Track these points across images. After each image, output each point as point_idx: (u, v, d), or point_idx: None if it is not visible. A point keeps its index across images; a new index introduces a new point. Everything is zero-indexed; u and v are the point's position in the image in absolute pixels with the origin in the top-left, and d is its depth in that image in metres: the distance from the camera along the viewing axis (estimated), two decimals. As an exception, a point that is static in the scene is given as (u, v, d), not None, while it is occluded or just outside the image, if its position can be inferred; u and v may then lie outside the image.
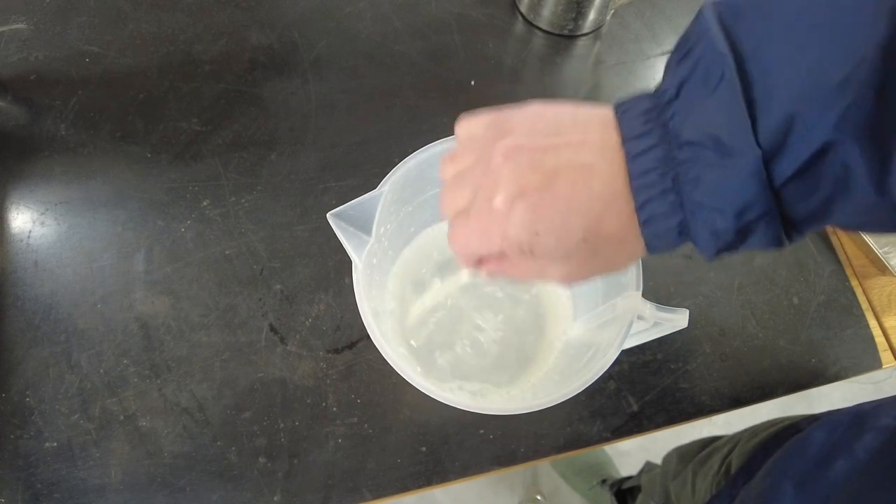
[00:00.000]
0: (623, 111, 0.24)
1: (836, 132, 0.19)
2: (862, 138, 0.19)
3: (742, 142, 0.20)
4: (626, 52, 0.62)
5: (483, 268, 0.29)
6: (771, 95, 0.20)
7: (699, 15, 0.23)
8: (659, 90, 0.24)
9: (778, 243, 0.23)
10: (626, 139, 0.23)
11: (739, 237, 0.22)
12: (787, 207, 0.21)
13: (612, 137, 0.24)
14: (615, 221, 0.24)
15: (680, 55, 0.23)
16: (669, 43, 0.63)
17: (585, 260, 0.26)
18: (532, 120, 0.26)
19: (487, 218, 0.26)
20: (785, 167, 0.20)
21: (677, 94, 0.22)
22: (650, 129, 0.23)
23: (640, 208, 0.23)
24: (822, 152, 0.20)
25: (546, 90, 0.60)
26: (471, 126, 0.28)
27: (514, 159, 0.25)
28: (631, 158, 0.23)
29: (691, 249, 0.53)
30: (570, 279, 0.27)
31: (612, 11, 0.61)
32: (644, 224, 0.24)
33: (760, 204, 0.21)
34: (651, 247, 0.25)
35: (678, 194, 0.22)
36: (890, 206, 0.20)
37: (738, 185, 0.21)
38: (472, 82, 0.59)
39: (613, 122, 0.24)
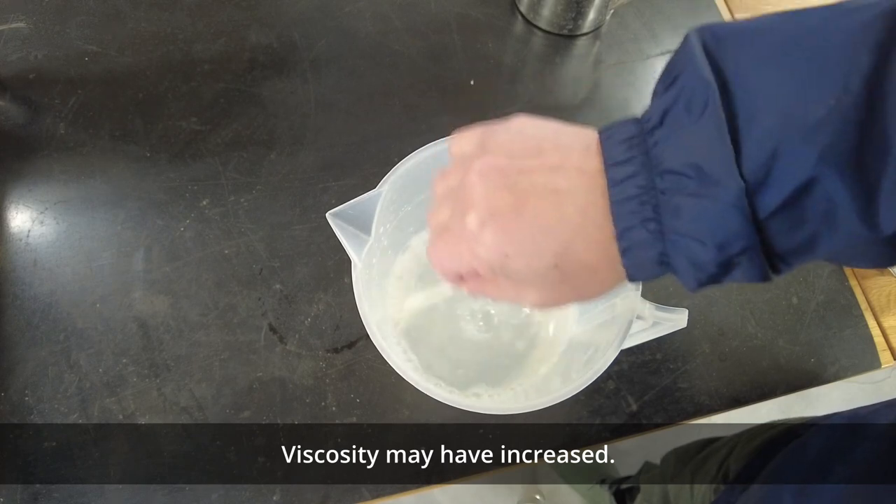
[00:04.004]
0: (607, 136, 0.24)
1: (820, 166, 0.19)
2: (846, 172, 0.19)
3: (724, 172, 0.20)
4: (626, 51, 0.62)
5: (463, 285, 0.29)
6: (754, 126, 0.20)
7: (685, 41, 0.22)
8: (644, 117, 0.23)
9: (763, 277, 0.22)
10: (608, 165, 0.23)
11: (722, 270, 0.22)
12: (772, 241, 0.21)
13: (592, 163, 0.24)
14: (587, 249, 0.24)
15: (666, 82, 0.23)
16: (669, 43, 0.63)
17: (557, 286, 0.25)
18: (514, 139, 0.26)
19: (460, 236, 0.26)
20: (769, 200, 0.20)
21: (661, 122, 0.22)
22: (632, 156, 0.22)
23: (620, 236, 0.23)
24: (806, 186, 0.19)
25: (545, 90, 0.60)
26: (461, 142, 0.28)
27: (488, 178, 0.24)
28: (612, 185, 0.23)
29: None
30: (542, 304, 0.27)
31: (612, 11, 0.61)
32: (624, 252, 0.23)
33: (743, 237, 0.20)
34: (631, 276, 0.24)
35: (659, 223, 0.22)
36: (878, 239, 0.20)
37: (719, 216, 0.20)
38: (472, 82, 0.59)
39: (596, 147, 0.24)
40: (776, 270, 0.22)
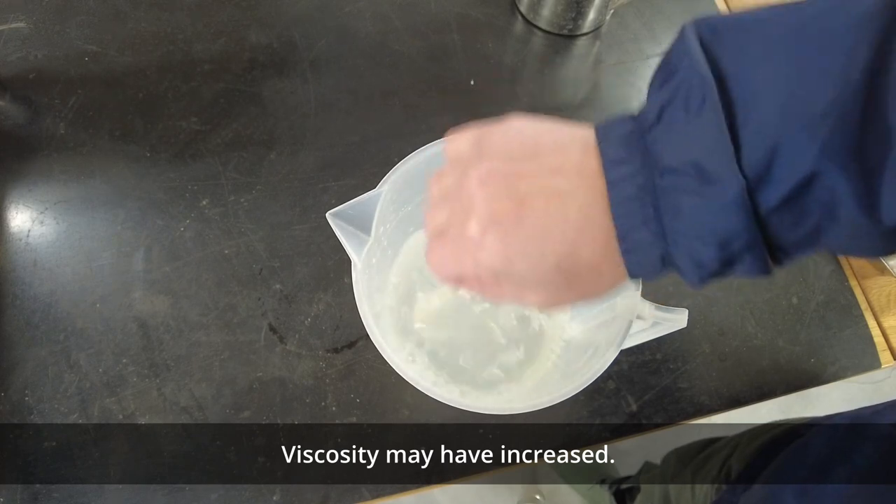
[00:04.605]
0: (604, 134, 0.23)
1: (821, 161, 0.19)
2: (848, 165, 0.19)
3: (724, 169, 0.20)
4: (626, 51, 0.62)
5: (462, 286, 0.28)
6: (753, 122, 0.19)
7: (681, 35, 0.22)
8: (641, 113, 0.23)
9: (765, 271, 0.22)
10: (606, 164, 0.23)
11: (724, 267, 0.22)
12: (774, 235, 0.21)
13: (591, 162, 0.23)
14: (590, 249, 0.23)
15: (663, 77, 0.22)
16: (668, 42, 0.63)
17: (562, 287, 0.25)
18: (511, 140, 0.25)
19: (461, 243, 0.25)
20: (770, 196, 0.20)
21: (658, 119, 0.22)
22: (630, 155, 0.22)
23: (622, 237, 0.23)
24: (808, 180, 0.19)
25: (545, 90, 0.60)
26: (457, 143, 0.28)
27: (487, 185, 0.24)
28: (611, 185, 0.22)
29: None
30: (546, 305, 0.26)
31: (612, 11, 0.61)
32: (626, 253, 0.23)
33: (745, 234, 0.20)
34: (633, 275, 0.24)
35: (660, 223, 0.22)
36: (879, 230, 0.19)
37: (720, 215, 0.20)
38: (472, 82, 0.59)
39: (594, 145, 0.24)
40: (777, 262, 0.22)
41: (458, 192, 0.26)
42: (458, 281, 0.28)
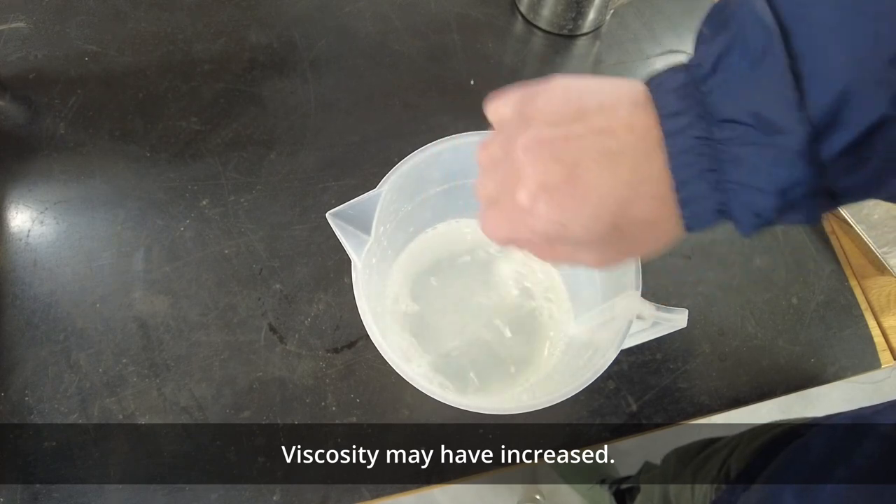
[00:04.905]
0: (656, 86, 0.23)
1: (893, 107, 0.18)
2: None
3: (789, 119, 0.19)
4: (626, 51, 0.62)
5: (516, 246, 0.28)
6: (820, 70, 0.19)
7: None
8: (692, 63, 0.22)
9: (818, 219, 0.22)
10: (662, 116, 0.22)
11: (780, 215, 0.21)
12: (831, 181, 0.20)
13: (642, 118, 0.23)
14: (645, 205, 0.23)
15: (716, 25, 0.22)
16: (669, 43, 0.63)
17: (617, 244, 0.25)
18: (554, 102, 0.25)
19: (513, 212, 0.25)
20: (834, 144, 0.19)
21: (714, 69, 0.21)
22: (687, 106, 0.22)
23: (679, 188, 0.22)
24: (875, 127, 0.19)
25: (546, 90, 0.60)
26: (499, 108, 0.28)
27: (535, 152, 0.24)
28: (668, 137, 0.22)
29: (691, 249, 0.53)
30: (602, 264, 0.27)
31: (612, 11, 0.61)
32: (683, 204, 0.23)
33: (807, 182, 0.20)
34: (690, 226, 0.24)
35: (718, 174, 0.21)
36: None
37: (783, 165, 0.20)
38: (472, 82, 0.59)
39: (644, 100, 0.23)
40: (828, 209, 0.22)
41: (505, 159, 0.26)
42: (513, 242, 0.28)
